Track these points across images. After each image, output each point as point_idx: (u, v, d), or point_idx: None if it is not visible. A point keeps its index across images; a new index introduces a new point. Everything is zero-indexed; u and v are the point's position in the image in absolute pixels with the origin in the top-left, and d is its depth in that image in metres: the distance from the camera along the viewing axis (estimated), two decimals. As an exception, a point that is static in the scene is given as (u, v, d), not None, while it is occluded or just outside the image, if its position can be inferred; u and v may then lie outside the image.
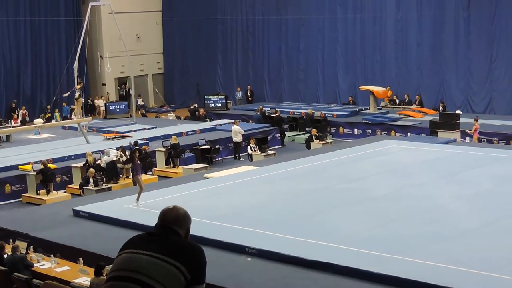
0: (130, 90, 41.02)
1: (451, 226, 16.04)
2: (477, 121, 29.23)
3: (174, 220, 4.87)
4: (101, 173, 24.27)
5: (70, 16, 43.21)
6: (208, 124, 34.67)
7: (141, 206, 18.60)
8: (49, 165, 24.47)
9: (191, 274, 4.64)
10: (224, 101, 40.64)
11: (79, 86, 32.56)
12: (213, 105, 40.53)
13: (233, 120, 32.10)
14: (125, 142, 27.43)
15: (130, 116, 38.59)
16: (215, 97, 41.22)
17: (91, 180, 23.51)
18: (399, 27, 38.71)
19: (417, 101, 36.61)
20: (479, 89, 36.23)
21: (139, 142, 28.00)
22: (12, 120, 37.05)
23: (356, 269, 13.38)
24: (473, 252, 14.15)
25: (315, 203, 18.67)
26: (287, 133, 33.99)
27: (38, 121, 33.74)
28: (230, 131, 30.09)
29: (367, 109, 35.65)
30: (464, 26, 36.49)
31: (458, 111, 32.16)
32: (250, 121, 35.28)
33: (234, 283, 13.38)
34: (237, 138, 29.64)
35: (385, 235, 15.49)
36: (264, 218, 17.24)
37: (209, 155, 28.63)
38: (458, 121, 29.05)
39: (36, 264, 14.81)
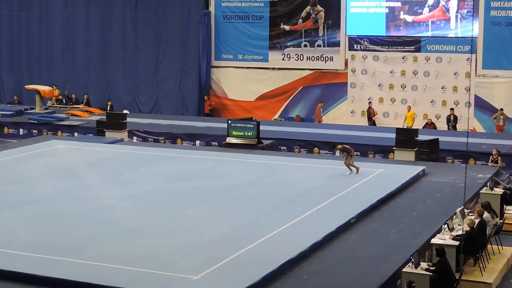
0: None
1: (117, 226, 16.08)
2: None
3: None
4: None
5: None
6: None
7: None
8: None
9: None
10: None
11: None
12: None
13: None
14: None
15: None
16: None
17: None
18: (66, 25, 38.42)
19: (85, 100, 36.47)
20: (146, 89, 37.10)
21: None
22: None
23: (20, 273, 12.93)
24: (139, 251, 14.25)
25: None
26: None
27: None
28: None
29: (33, 108, 34.79)
30: (131, 27, 37.14)
31: (125, 111, 32.63)
32: None
33: None
34: None
35: (50, 238, 15.11)
36: None
37: None
38: (125, 121, 29.40)
39: None
